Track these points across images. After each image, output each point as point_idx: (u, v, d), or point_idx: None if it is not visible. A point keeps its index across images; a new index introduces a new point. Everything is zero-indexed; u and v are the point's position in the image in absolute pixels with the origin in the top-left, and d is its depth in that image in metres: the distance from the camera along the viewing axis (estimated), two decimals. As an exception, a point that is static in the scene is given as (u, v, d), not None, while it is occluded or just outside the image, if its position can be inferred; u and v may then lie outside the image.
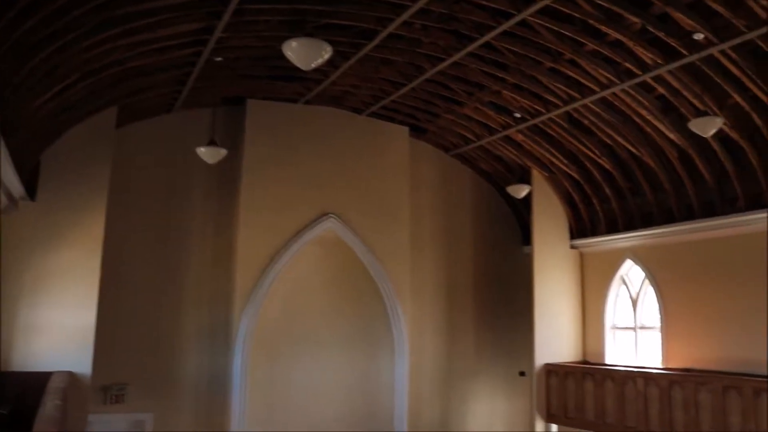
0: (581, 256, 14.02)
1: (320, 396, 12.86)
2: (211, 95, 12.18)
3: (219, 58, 10.04)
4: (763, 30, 7.76)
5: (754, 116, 9.35)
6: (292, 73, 10.82)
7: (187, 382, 11.88)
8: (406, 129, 13.67)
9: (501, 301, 14.82)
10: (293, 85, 11.77)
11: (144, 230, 11.99)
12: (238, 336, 11.79)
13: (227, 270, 12.30)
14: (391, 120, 13.41)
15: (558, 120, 11.68)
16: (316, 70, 9.36)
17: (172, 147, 12.33)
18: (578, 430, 12.86)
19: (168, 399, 11.66)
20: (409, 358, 13.25)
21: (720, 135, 9.81)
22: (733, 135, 9.85)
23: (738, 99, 9.24)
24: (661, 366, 11.98)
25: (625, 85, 9.85)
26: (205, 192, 12.53)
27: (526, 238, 14.28)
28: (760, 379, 9.88)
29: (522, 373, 13.98)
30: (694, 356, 11.46)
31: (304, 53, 7.85)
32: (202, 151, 10.79)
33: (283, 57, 8.06)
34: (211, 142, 10.83)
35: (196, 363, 12.00)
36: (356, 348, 13.25)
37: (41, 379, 8.71)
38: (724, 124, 9.21)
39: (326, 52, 7.89)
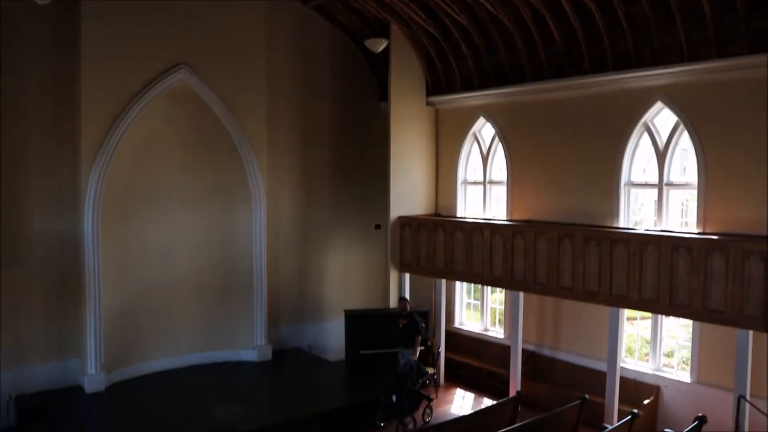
0: (436, 112, 14.36)
1: (178, 253, 12.77)
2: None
3: None
4: None
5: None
6: None
7: (33, 242, 11.24)
8: (261, -23, 12.89)
9: (357, 156, 15.05)
10: None
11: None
12: (87, 195, 11.19)
13: (72, 126, 11.40)
14: (246, -33, 12.54)
15: (418, -27, 11.45)
16: None
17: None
18: (430, 277, 13.84)
19: (15, 263, 11.03)
20: (266, 211, 13.35)
21: (574, -2, 10.16)
22: (585, -1, 10.24)
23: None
24: (506, 218, 12.95)
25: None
26: (40, 41, 11.22)
27: (384, 93, 14.34)
28: (590, 227, 11.01)
29: (377, 226, 14.53)
30: (535, 209, 12.47)
31: None
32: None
33: None
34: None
35: (42, 224, 11.30)
36: (213, 203, 13.11)
37: None
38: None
39: None
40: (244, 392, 11.82)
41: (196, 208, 12.94)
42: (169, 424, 10.21)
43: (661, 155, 10.67)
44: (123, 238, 12.01)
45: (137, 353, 12.31)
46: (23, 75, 11.07)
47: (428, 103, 14.16)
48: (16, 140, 11.02)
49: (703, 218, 10.01)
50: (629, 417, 8.70)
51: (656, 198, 10.83)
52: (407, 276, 13.89)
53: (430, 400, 11.35)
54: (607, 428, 8.52)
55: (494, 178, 13.57)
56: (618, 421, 9.25)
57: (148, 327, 12.42)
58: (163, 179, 12.49)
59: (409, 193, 13.92)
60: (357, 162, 15.04)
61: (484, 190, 13.70)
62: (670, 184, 10.68)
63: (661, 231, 10.30)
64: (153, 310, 12.47)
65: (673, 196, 11.12)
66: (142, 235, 12.30)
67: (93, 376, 11.38)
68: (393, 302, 13.59)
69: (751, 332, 9.01)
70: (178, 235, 12.73)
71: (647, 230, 10.55)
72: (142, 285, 12.33)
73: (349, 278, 15.06)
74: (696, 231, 10.05)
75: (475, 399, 12.77)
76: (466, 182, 14.11)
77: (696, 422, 8.31)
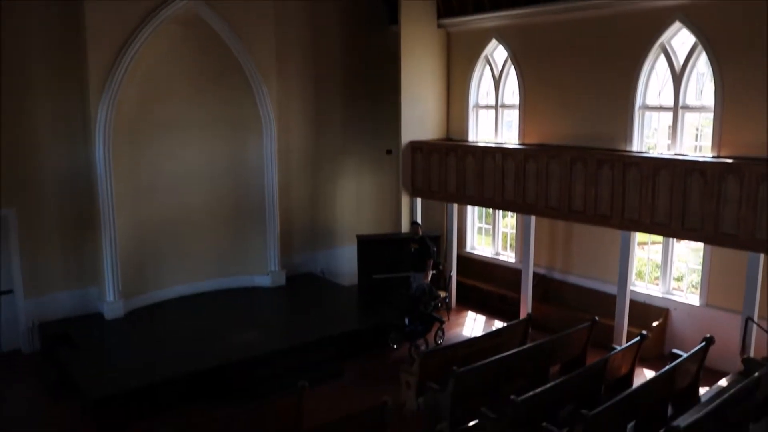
0: (448, 35, 14.05)
1: (190, 182, 12.84)
2: None
3: None
4: None
5: None
6: None
7: (47, 175, 11.30)
8: None
9: (368, 81, 14.85)
10: None
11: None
12: (98, 124, 11.16)
13: (78, 53, 11.24)
14: None
15: None
16: None
17: None
18: (441, 202, 13.87)
19: (28, 193, 11.13)
20: (276, 139, 13.31)
21: None
22: None
23: None
24: (518, 142, 12.85)
25: None
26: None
27: (394, 16, 13.98)
28: (603, 151, 10.93)
29: (389, 152, 14.47)
30: (547, 133, 12.36)
31: None
32: None
33: None
34: None
35: (54, 154, 11.32)
36: (223, 131, 13.08)
37: None
38: None
39: None
40: (259, 317, 12.11)
41: (207, 137, 12.91)
42: (186, 347, 10.51)
43: (678, 78, 10.47)
44: (135, 168, 12.06)
45: (154, 281, 12.56)
46: (27, 5, 10.82)
47: (439, 26, 13.83)
48: (22, 72, 10.88)
49: (718, 142, 9.90)
50: (638, 338, 8.89)
51: (671, 122, 10.69)
52: (419, 201, 13.93)
53: (441, 322, 11.58)
54: (615, 349, 8.69)
55: (506, 102, 13.39)
56: (627, 343, 9.43)
57: (164, 255, 12.63)
58: (173, 108, 12.40)
59: (420, 117, 13.79)
60: (368, 87, 14.85)
61: (495, 114, 13.56)
62: (686, 108, 10.52)
63: (675, 155, 10.20)
64: (168, 238, 12.65)
65: (688, 121, 10.95)
66: (154, 164, 12.33)
67: (112, 303, 11.65)
68: (405, 227, 13.69)
69: (762, 255, 9.06)
70: (189, 163, 12.76)
71: (661, 154, 10.44)
72: (156, 214, 12.46)
73: (360, 204, 15.12)
74: (710, 155, 9.96)
75: (486, 321, 13.02)
76: (477, 106, 13.94)
77: (703, 343, 8.48)
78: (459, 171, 12.83)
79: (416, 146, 13.61)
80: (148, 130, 12.17)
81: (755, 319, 9.27)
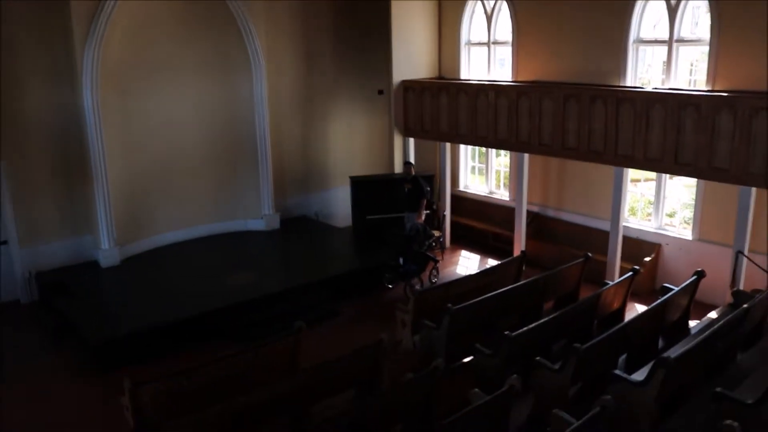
0: (438, -30, 13.74)
1: (180, 126, 12.70)
2: None
3: None
4: None
5: None
6: None
7: (36, 125, 11.13)
8: None
9: (359, 20, 14.53)
10: None
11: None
12: (84, 70, 10.94)
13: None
14: None
15: None
16: None
17: None
18: (434, 141, 13.79)
19: (19, 143, 10.98)
20: (267, 81, 13.11)
21: None
22: None
23: None
24: (511, 79, 12.69)
25: None
26: None
27: (384, -46, 13.63)
28: (596, 87, 10.81)
29: (380, 92, 14.29)
30: (540, 69, 12.19)
31: None
32: None
33: None
34: None
35: (43, 104, 11.12)
36: (212, 74, 12.88)
37: None
38: None
39: None
40: (254, 260, 12.17)
41: (195, 81, 12.71)
42: (183, 292, 10.59)
43: (673, 10, 10.27)
44: (124, 114, 11.89)
45: (148, 227, 12.56)
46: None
47: (430, -39, 13.49)
48: (5, 22, 10.58)
49: (713, 75, 9.79)
50: (630, 273, 8.98)
51: (665, 57, 10.54)
52: (411, 140, 13.85)
53: (436, 261, 11.67)
54: (608, 284, 8.79)
55: (499, 38, 13.16)
56: (619, 278, 9.53)
57: (157, 201, 12.60)
58: (160, 52, 12.16)
59: (411, 56, 13.58)
60: (359, 26, 14.54)
61: (488, 51, 13.34)
62: (681, 41, 10.36)
63: (669, 89, 10.10)
64: (161, 184, 12.60)
65: (683, 55, 10.80)
66: (143, 109, 12.16)
67: (107, 251, 11.66)
68: (398, 167, 13.65)
69: (753, 189, 9.09)
70: (179, 108, 12.60)
71: (655, 88, 10.34)
72: (148, 160, 12.36)
73: (353, 145, 15.02)
74: (705, 88, 9.87)
75: (480, 260, 13.13)
76: (469, 44, 13.71)
77: (694, 277, 8.59)
78: (451, 110, 12.71)
79: (408, 85, 13.44)
80: (136, 75, 11.95)
81: (746, 252, 9.36)
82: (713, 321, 7.93)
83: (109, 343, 8.99)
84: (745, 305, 7.35)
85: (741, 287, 9.28)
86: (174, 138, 12.64)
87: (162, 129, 12.45)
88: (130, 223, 12.19)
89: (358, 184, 13.25)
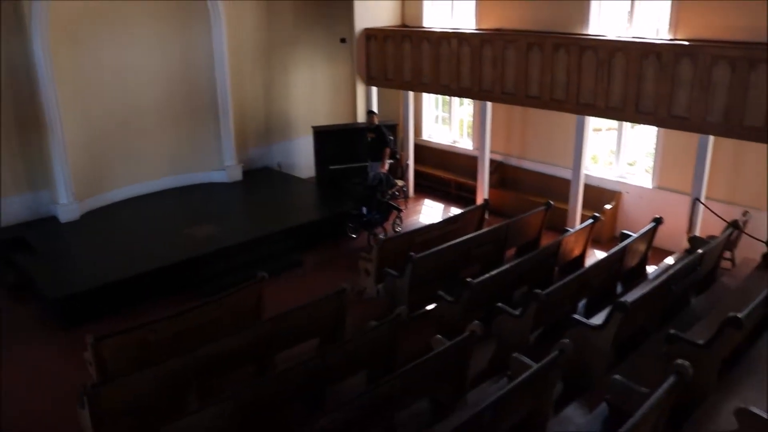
0: None
1: (137, 78, 12.33)
2: None
3: None
4: None
5: None
6: None
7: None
8: None
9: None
10: None
11: None
12: (33, 20, 10.46)
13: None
14: None
15: None
16: None
17: None
18: (397, 90, 13.66)
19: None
20: (226, 30, 12.76)
21: None
22: None
23: None
24: (474, 27, 12.56)
25: None
26: None
27: None
28: (560, 35, 10.77)
29: (343, 40, 14.02)
30: (504, 16, 12.07)
31: None
32: None
33: None
34: None
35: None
36: (170, 22, 12.46)
37: None
38: None
39: None
40: (217, 212, 12.00)
41: (153, 32, 12.29)
42: (145, 245, 10.44)
43: (636, -44, 10.22)
44: (77, 65, 11.45)
45: (108, 181, 12.28)
46: None
47: None
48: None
49: (675, 24, 9.81)
50: (590, 221, 9.12)
51: (629, 5, 10.50)
52: (374, 90, 13.69)
53: (399, 210, 11.69)
54: (569, 232, 8.91)
55: (462, -16, 12.98)
56: (580, 225, 9.67)
57: (117, 155, 12.28)
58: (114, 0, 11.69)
59: (374, 4, 13.32)
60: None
61: (452, -3, 13.17)
62: (643, -13, 10.33)
63: (632, 38, 10.10)
64: (120, 137, 12.26)
65: (646, 3, 10.74)
66: (98, 60, 11.72)
67: (66, 206, 11.39)
68: (361, 117, 13.53)
69: (711, 138, 9.23)
70: (136, 59, 12.19)
71: (618, 37, 10.33)
72: (105, 112, 11.98)
73: (315, 95, 14.78)
74: (667, 37, 9.89)
75: (443, 209, 13.19)
76: (433, -10, 13.50)
77: (653, 223, 8.75)
78: (414, 58, 12.58)
79: (370, 34, 13.23)
80: (88, 24, 11.45)
81: (702, 199, 9.55)
82: (670, 266, 8.11)
83: (70, 298, 8.84)
84: (699, 251, 7.53)
85: (697, 233, 9.49)
86: (131, 89, 12.27)
87: (118, 80, 12.06)
88: (89, 177, 11.88)
89: (321, 134, 13.11)
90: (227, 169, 13.44)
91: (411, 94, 13.37)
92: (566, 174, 11.38)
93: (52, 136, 11.01)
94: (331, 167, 12.98)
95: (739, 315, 5.38)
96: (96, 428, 5.54)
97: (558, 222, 10.69)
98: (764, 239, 8.30)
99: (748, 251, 9.07)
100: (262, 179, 13.77)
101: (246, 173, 13.73)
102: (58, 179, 11.24)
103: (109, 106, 12.01)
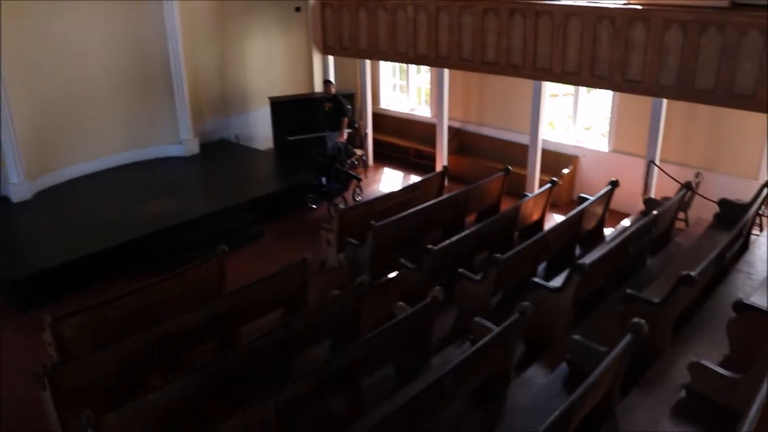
0: None
1: (87, 51, 11.94)
2: None
3: None
4: None
5: None
6: None
7: None
8: None
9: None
10: None
11: None
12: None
13: None
14: None
15: None
16: None
17: None
18: (354, 59, 13.53)
19: None
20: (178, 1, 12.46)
21: None
22: None
23: None
24: (430, -7, 12.46)
25: None
26: None
27: None
28: (515, 0, 10.74)
29: (297, 9, 13.80)
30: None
31: None
32: None
33: None
34: None
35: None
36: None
37: None
38: None
39: None
40: (174, 186, 11.80)
41: (102, 4, 11.86)
42: (102, 222, 10.25)
43: None
44: (22, 38, 11.03)
45: (61, 158, 11.94)
46: None
47: None
48: None
49: (627, -13, 9.88)
50: (548, 185, 9.24)
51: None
52: (331, 59, 13.55)
53: (359, 180, 11.68)
54: (528, 196, 9.01)
55: (417, -51, 12.81)
56: (538, 190, 9.78)
57: (69, 131, 11.92)
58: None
59: (328, -30, 13.11)
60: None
61: (406, -37, 12.99)
62: (597, -49, 10.34)
63: (587, 2, 10.15)
64: (71, 113, 11.89)
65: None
66: (43, 33, 11.30)
67: (17, 185, 11.06)
68: (318, 87, 13.40)
69: (665, 101, 9.38)
70: (83, 30, 11.77)
71: (573, 2, 10.36)
72: (55, 87, 11.58)
73: (271, 65, 14.54)
74: (621, 2, 9.95)
75: (403, 177, 13.22)
76: (387, -44, 13.31)
77: (609, 186, 8.90)
78: (370, 26, 12.44)
79: (326, 2, 13.03)
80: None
81: (657, 162, 9.74)
82: (626, 228, 8.28)
83: (26, 280, 8.64)
84: (654, 212, 7.69)
85: (652, 195, 9.69)
86: (80, 63, 11.88)
87: (66, 53, 11.65)
88: (41, 155, 11.53)
89: (278, 104, 12.96)
90: (183, 143, 13.21)
91: (368, 62, 13.26)
92: (524, 139, 11.47)
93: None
94: (290, 138, 12.86)
95: (692, 273, 5.53)
96: (59, 409, 5.47)
97: (517, 187, 10.80)
98: (716, 200, 8.50)
99: (701, 211, 9.29)
100: (220, 152, 13.57)
101: (203, 146, 13.50)
102: (7, 157, 10.89)
103: (60, 79, 11.63)
